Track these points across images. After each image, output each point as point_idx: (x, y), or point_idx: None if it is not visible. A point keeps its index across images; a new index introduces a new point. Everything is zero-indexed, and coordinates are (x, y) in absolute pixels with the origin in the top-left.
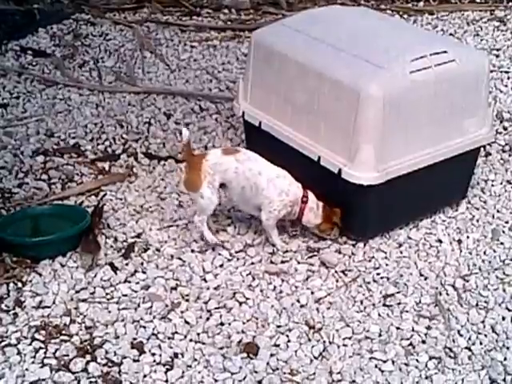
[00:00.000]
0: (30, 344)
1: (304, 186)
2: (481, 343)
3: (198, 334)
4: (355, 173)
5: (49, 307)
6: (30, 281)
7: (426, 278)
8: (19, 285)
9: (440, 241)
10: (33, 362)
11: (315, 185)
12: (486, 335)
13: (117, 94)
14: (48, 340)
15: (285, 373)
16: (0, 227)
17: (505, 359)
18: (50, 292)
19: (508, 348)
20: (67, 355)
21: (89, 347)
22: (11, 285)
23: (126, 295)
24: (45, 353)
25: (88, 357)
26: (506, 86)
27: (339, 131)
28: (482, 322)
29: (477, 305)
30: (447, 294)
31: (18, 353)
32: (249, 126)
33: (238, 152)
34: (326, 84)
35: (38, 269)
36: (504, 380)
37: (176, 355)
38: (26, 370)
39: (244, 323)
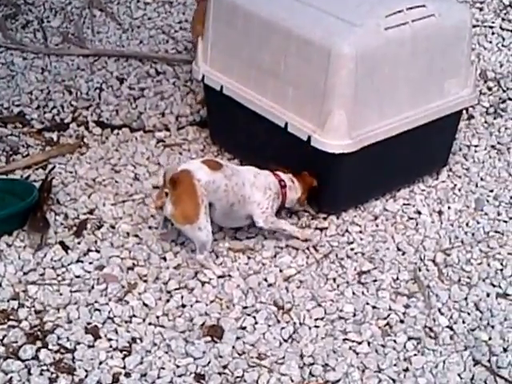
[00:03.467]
0: None
1: (270, 169)
2: (463, 322)
3: (158, 317)
4: (326, 140)
5: None
6: None
7: (403, 253)
8: None
9: (419, 212)
10: None
11: (282, 154)
12: (469, 313)
13: (64, 57)
14: None
15: (252, 357)
16: None
17: (490, 339)
18: None
19: (493, 327)
20: (16, 342)
21: (39, 333)
22: None
23: (78, 276)
24: None
25: (38, 343)
26: (491, 42)
27: (308, 95)
28: (465, 299)
29: (459, 281)
30: (427, 270)
31: None
32: (209, 91)
33: (222, 166)
34: (293, 43)
35: None
36: (489, 361)
37: (134, 340)
38: None
39: (207, 305)
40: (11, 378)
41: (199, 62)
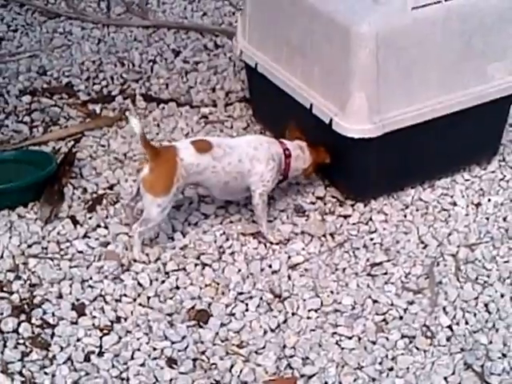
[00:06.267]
0: None
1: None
2: (467, 323)
3: (149, 298)
4: (346, 124)
5: None
6: None
7: (425, 246)
8: None
9: (455, 203)
10: None
11: (310, 135)
12: (475, 314)
13: (123, 27)
14: None
15: (233, 344)
16: None
17: (490, 342)
18: (0, 245)
19: (497, 330)
20: (1, 313)
21: (26, 306)
22: None
23: (81, 252)
24: None
25: (22, 317)
26: None
27: (332, 76)
28: (475, 298)
29: (476, 279)
30: (444, 265)
31: None
32: (248, 67)
33: (212, 147)
34: (317, 20)
35: None
36: (482, 366)
37: (118, 319)
38: None
39: (201, 288)
40: None
41: (238, 37)
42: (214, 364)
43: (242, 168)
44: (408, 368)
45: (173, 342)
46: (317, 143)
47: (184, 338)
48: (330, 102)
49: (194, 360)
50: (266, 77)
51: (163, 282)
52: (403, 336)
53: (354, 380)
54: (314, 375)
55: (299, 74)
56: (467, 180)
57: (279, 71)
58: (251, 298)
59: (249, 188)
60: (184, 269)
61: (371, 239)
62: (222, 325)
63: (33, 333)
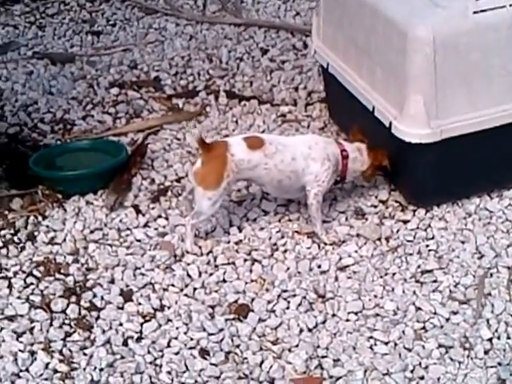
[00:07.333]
0: (25, 279)
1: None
2: (509, 337)
3: (195, 289)
4: (403, 128)
5: (58, 244)
6: (53, 216)
7: (481, 257)
8: (39, 219)
9: None
10: (18, 297)
11: (373, 137)
12: None
13: (216, 25)
14: (43, 277)
15: (268, 341)
16: (38, 160)
17: None
18: (65, 229)
19: None
20: (54, 294)
21: (78, 289)
22: (31, 218)
23: (139, 240)
24: (33, 290)
25: (73, 298)
26: None
27: (392, 78)
28: None
29: None
30: (497, 277)
31: (9, 286)
32: (322, 68)
33: (264, 144)
34: (379, 22)
35: (65, 204)
36: None
37: (162, 308)
38: (10, 304)
39: (247, 283)
40: (33, 327)
41: (313, 36)
42: (245, 358)
43: (296, 167)
44: (439, 378)
45: (209, 334)
46: (378, 146)
47: (221, 330)
48: (390, 105)
49: (228, 353)
50: (335, 77)
51: (211, 274)
52: (440, 345)
53: None
54: (340, 377)
55: (364, 76)
56: None
57: (347, 72)
58: (294, 296)
59: (304, 187)
60: (233, 263)
61: (427, 246)
62: (261, 320)
63: (79, 314)
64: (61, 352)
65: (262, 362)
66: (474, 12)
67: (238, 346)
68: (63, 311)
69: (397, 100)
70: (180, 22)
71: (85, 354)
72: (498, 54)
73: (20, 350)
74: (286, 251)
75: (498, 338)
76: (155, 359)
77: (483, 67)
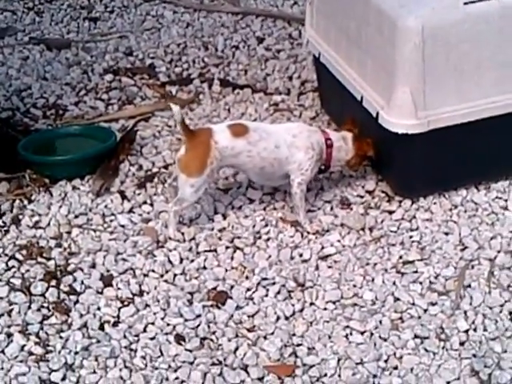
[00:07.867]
0: (7, 262)
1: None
2: (485, 329)
3: (175, 275)
4: (391, 118)
5: (42, 228)
6: (38, 200)
7: (464, 249)
8: (25, 202)
9: (506, 208)
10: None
11: (362, 129)
12: (496, 321)
13: (213, 13)
14: (25, 260)
15: (244, 328)
16: (27, 145)
17: (505, 351)
18: (50, 214)
19: None
20: (34, 277)
21: (59, 273)
22: (17, 202)
23: (122, 226)
24: (14, 273)
25: (53, 282)
26: None
27: (381, 68)
28: (501, 305)
29: (508, 287)
30: (478, 269)
31: None
32: (314, 57)
33: (248, 131)
34: (370, 12)
35: (52, 189)
36: (489, 375)
37: (141, 293)
38: None
39: (227, 270)
40: (12, 309)
41: (307, 26)
42: (220, 345)
43: (279, 155)
44: (412, 369)
45: (186, 320)
46: (366, 136)
47: (198, 316)
48: (378, 95)
49: (203, 339)
50: (327, 67)
51: (192, 261)
52: (416, 336)
53: (353, 374)
54: (314, 365)
55: (355, 66)
56: None
57: (338, 62)
58: (274, 284)
59: (288, 175)
60: (215, 250)
61: (410, 237)
62: (238, 308)
63: (58, 298)
64: (37, 335)
65: (236, 349)
66: (465, 3)
67: (213, 333)
68: (42, 294)
69: (385, 90)
70: (178, 9)
71: (61, 338)
72: (488, 45)
73: None
74: (268, 239)
75: (475, 329)
76: (130, 344)
77: (472, 59)
